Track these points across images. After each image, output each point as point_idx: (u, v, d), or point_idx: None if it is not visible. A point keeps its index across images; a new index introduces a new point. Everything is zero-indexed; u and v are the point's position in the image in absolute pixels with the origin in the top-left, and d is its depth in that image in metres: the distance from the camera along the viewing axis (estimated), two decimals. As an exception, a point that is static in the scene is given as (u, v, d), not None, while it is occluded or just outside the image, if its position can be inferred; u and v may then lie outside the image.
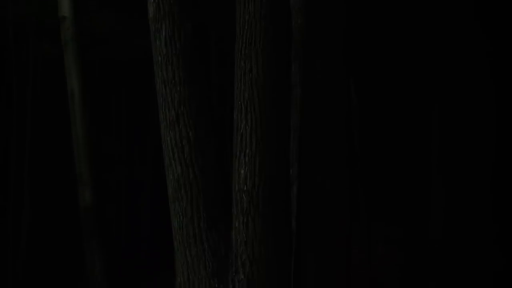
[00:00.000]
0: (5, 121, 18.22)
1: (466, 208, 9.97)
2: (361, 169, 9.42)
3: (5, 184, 17.76)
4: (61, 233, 18.09)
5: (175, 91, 5.13)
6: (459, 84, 9.80)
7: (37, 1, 16.37)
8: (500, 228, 9.64)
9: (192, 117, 5.14)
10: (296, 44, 5.74)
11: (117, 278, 12.07)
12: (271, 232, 4.90)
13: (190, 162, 5.12)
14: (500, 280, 8.45)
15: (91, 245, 11.32)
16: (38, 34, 17.45)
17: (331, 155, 5.50)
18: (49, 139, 18.41)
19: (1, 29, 17.60)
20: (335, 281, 5.35)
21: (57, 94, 15.22)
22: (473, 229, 9.69)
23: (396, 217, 11.36)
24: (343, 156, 5.57)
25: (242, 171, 4.94)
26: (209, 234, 5.12)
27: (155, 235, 17.68)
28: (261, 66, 4.95)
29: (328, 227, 5.35)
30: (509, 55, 9.97)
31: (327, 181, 5.43)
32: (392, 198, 12.06)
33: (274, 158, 5.00)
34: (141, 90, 19.00)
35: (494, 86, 9.76)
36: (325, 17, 5.64)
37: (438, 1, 10.11)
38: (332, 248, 5.34)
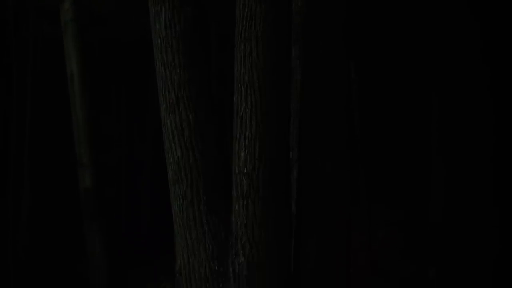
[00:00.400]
0: (4, 103, 18.19)
1: (466, 190, 9.97)
2: (361, 152, 9.44)
3: (5, 167, 17.76)
4: (62, 216, 18.13)
5: (175, 74, 5.13)
6: (459, 67, 9.78)
7: (37, -18, 16.32)
8: (500, 211, 9.64)
9: (192, 100, 5.14)
10: (297, 27, 5.72)
11: (117, 259, 12.12)
12: (271, 214, 4.91)
13: (190, 145, 5.13)
14: (501, 264, 8.46)
15: (91, 227, 11.34)
16: (38, 15, 17.37)
17: (331, 138, 5.49)
18: (49, 121, 18.38)
19: (1, 10, 17.53)
20: (335, 265, 5.35)
21: (57, 76, 15.19)
22: (474, 211, 9.70)
23: (396, 199, 11.37)
24: (343, 139, 5.56)
25: (242, 154, 4.95)
26: (209, 217, 5.13)
27: (155, 217, 17.70)
28: (261, 49, 4.94)
29: (328, 210, 5.34)
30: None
31: (327, 164, 5.42)
32: (392, 181, 12.07)
33: (274, 140, 5.00)
34: (141, 71, 18.97)
35: (493, 68, 9.75)
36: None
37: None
38: (332, 231, 5.34)
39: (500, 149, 9.88)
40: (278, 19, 5.04)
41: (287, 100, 5.29)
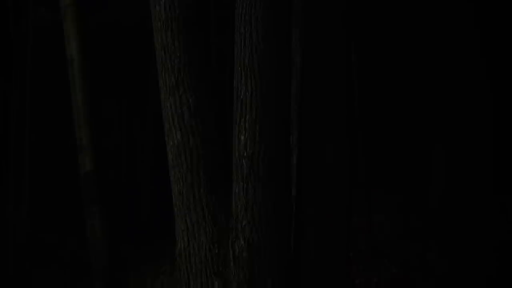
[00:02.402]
0: (4, 89, 18.16)
1: (466, 176, 9.98)
2: (361, 136, 9.43)
3: (5, 152, 17.76)
4: (62, 200, 18.16)
5: (175, 57, 5.14)
6: (461, 53, 9.77)
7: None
8: (503, 198, 9.63)
9: (192, 83, 5.15)
10: (297, 10, 5.70)
11: (118, 243, 12.16)
12: (271, 198, 4.92)
13: (190, 128, 5.14)
14: (504, 251, 8.46)
15: (92, 211, 11.36)
16: (37, 0, 17.32)
17: (331, 122, 5.47)
18: (49, 106, 18.37)
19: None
20: (335, 248, 5.36)
21: (57, 61, 15.17)
22: (475, 198, 9.70)
23: (396, 184, 11.36)
24: (343, 123, 5.54)
25: (242, 137, 4.95)
26: (209, 200, 5.15)
27: (155, 201, 17.70)
28: (261, 32, 4.93)
29: (328, 194, 5.34)
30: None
31: (327, 147, 5.41)
32: (392, 165, 12.06)
33: (274, 124, 5.00)
34: (142, 55, 18.92)
35: (493, 56, 9.74)
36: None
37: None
38: (332, 215, 5.34)
39: (500, 135, 9.88)
40: (278, 2, 5.03)
41: (287, 84, 5.29)
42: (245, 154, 4.90)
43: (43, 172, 18.00)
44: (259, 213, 4.87)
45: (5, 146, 17.87)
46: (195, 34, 5.26)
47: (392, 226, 10.16)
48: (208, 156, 5.22)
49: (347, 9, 5.62)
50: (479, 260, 8.18)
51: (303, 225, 5.32)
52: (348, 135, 5.67)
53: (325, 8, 5.54)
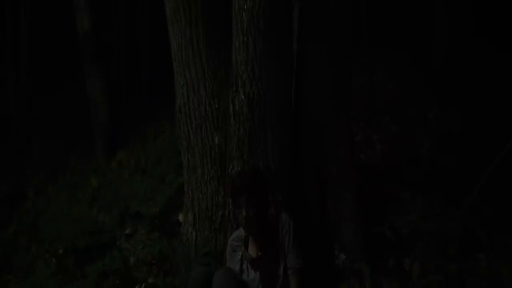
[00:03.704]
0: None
1: (469, 34, 9.91)
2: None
3: (2, 13, 17.52)
4: (62, 60, 18.06)
5: None
6: None
7: None
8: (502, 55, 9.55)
9: None
10: None
11: (118, 103, 12.23)
12: (272, 51, 4.83)
13: (189, -20, 5.04)
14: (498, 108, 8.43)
15: (91, 70, 11.37)
16: None
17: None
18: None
19: None
20: (337, 102, 5.30)
21: None
22: (474, 54, 9.67)
23: (399, 43, 11.21)
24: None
25: (243, -11, 4.81)
26: (209, 55, 5.10)
27: (155, 60, 17.53)
28: None
29: (329, 49, 5.24)
30: None
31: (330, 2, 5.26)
32: (395, 24, 11.86)
33: (276, -25, 4.86)
34: None
35: None
36: None
37: None
38: (334, 69, 5.26)
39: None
40: None
41: None
42: (245, 6, 4.78)
43: (41, 33, 17.78)
44: (259, 67, 4.79)
45: (2, 6, 17.62)
46: None
47: (394, 84, 10.09)
48: (208, 10, 5.13)
49: None
50: (481, 117, 8.19)
51: (305, 78, 5.25)
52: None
53: None
